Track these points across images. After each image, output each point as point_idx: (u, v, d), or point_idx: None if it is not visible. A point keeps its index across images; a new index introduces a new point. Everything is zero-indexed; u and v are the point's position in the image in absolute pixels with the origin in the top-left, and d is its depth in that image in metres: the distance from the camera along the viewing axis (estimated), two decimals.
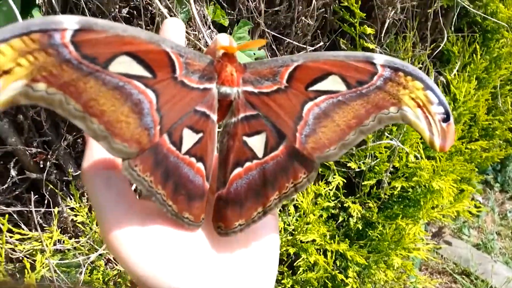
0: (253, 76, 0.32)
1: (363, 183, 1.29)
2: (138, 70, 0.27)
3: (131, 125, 0.27)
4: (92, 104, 0.26)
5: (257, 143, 0.32)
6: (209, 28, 0.87)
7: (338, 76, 0.31)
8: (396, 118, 0.32)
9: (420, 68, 1.23)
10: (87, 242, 0.97)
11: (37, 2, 0.75)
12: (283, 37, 1.02)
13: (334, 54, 0.32)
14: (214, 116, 0.31)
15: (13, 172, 0.91)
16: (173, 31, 0.32)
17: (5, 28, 0.22)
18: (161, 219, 0.31)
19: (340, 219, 1.33)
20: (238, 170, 0.32)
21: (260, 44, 0.32)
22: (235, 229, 0.32)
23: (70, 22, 0.24)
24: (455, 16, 1.19)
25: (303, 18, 1.01)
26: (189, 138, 0.30)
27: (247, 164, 0.32)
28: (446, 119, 0.31)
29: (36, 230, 0.91)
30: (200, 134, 0.31)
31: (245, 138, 0.32)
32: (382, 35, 1.10)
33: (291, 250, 1.23)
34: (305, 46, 1.04)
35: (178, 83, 0.29)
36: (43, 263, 0.89)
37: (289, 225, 1.27)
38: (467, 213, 1.39)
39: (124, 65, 0.26)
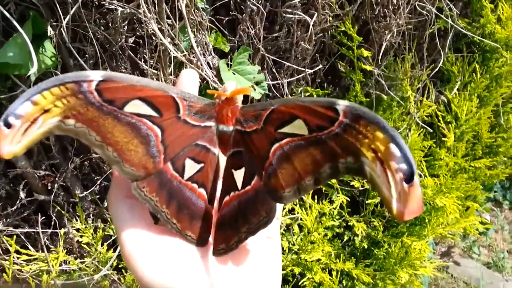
0: (243, 117, 0.35)
1: (367, 202, 1.30)
2: (147, 110, 0.33)
3: (139, 153, 0.33)
4: (109, 136, 0.33)
5: (239, 176, 0.35)
6: (211, 54, 0.91)
7: (302, 120, 0.32)
8: (353, 170, 0.30)
9: (418, 89, 1.25)
10: (92, 262, 0.99)
11: (48, 34, 0.79)
12: (283, 61, 1.05)
13: (303, 99, 0.33)
14: (215, 150, 0.36)
15: (22, 194, 0.94)
16: (188, 81, 0.38)
17: (48, 80, 0.30)
18: (173, 235, 0.35)
19: (345, 238, 1.33)
20: (226, 198, 0.36)
21: (245, 92, 0.35)
22: (219, 251, 0.35)
23: (95, 75, 0.31)
24: (454, 37, 1.21)
25: (302, 42, 1.05)
26: (191, 167, 0.35)
27: (232, 193, 0.36)
28: (409, 180, 0.27)
29: (43, 251, 0.94)
30: (201, 164, 0.36)
31: (232, 170, 0.36)
32: (380, 57, 1.12)
33: (296, 270, 1.23)
34: (304, 69, 1.07)
35: (181, 121, 0.35)
36: (49, 283, 0.91)
37: (293, 244, 1.27)
38: (473, 230, 1.38)
39: (136, 107, 0.33)
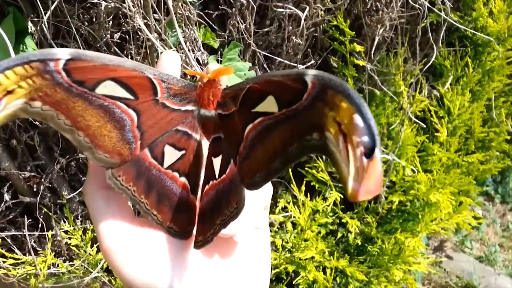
0: (223, 100, 0.33)
1: None
2: (121, 92, 0.31)
3: (113, 138, 0.31)
4: (80, 119, 0.30)
5: (217, 163, 0.33)
6: (200, 50, 0.88)
7: (273, 96, 0.29)
8: (318, 147, 0.27)
9: (411, 84, 1.24)
10: (81, 265, 0.97)
11: (29, 31, 0.76)
12: (274, 57, 1.03)
13: (274, 73, 0.31)
14: (197, 136, 0.34)
15: (6, 197, 0.91)
16: (169, 63, 0.35)
17: (10, 59, 0.28)
18: (154, 228, 0.33)
19: (339, 235, 1.32)
20: (206, 187, 0.34)
21: (227, 72, 0.32)
22: (197, 243, 0.33)
23: (63, 53, 0.29)
24: (446, 31, 1.20)
25: (294, 37, 1.03)
26: (171, 155, 0.33)
27: (211, 183, 0.33)
28: (369, 154, 0.24)
29: (30, 254, 0.91)
30: (183, 152, 0.34)
31: (212, 158, 0.34)
32: (372, 52, 1.11)
33: (290, 268, 1.22)
34: (296, 64, 1.05)
35: (159, 105, 0.32)
36: (36, 287, 0.89)
37: (287, 242, 1.26)
38: (466, 225, 1.38)
39: (108, 88, 0.30)
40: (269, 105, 0.29)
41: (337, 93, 0.26)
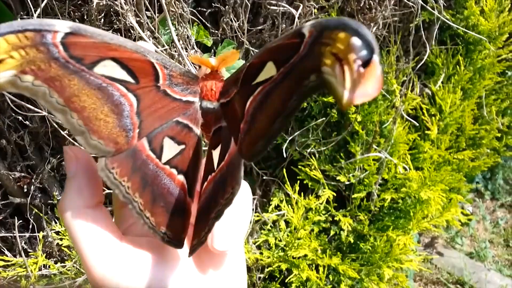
0: (225, 88, 0.31)
1: (353, 196, 1.29)
2: (122, 74, 0.29)
3: (109, 124, 0.29)
4: (74, 99, 0.27)
5: (216, 155, 0.31)
6: (193, 48, 0.87)
7: (272, 62, 0.27)
8: (315, 87, 0.25)
9: (404, 82, 1.24)
10: (73, 266, 0.96)
11: None
12: None
13: (272, 41, 0.28)
14: (197, 130, 0.32)
15: None
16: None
17: (3, 25, 0.25)
18: (144, 248, 0.31)
19: (332, 233, 1.33)
20: (205, 184, 0.31)
21: (233, 59, 0.30)
22: (193, 247, 0.30)
23: (62, 25, 0.27)
24: (438, 29, 1.21)
25: None
26: (170, 148, 0.31)
27: (209, 177, 0.31)
28: (366, 62, 0.22)
29: (21, 255, 0.90)
30: (182, 146, 0.31)
31: (212, 151, 0.32)
32: None
33: (283, 266, 1.22)
34: None
35: (161, 91, 0.30)
36: None
37: (280, 240, 1.26)
38: (456, 222, 1.39)
39: (108, 68, 0.28)
40: (269, 71, 0.27)
41: (334, 29, 0.23)
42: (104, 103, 0.28)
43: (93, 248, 0.29)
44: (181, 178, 0.31)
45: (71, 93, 0.27)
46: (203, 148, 0.34)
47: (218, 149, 0.31)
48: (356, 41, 0.22)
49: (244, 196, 0.32)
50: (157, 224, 0.30)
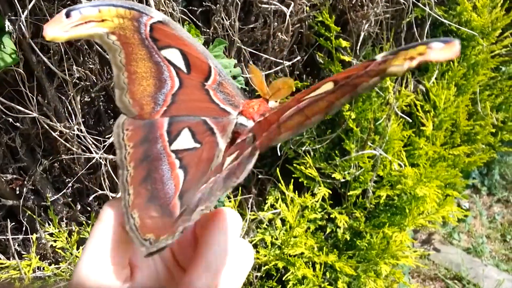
0: (266, 112, 0.33)
1: (348, 194, 1.29)
2: (180, 63, 0.34)
3: (146, 92, 0.33)
4: (133, 64, 0.33)
5: (228, 161, 0.31)
6: None
7: (332, 82, 0.28)
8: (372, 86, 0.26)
9: (397, 79, 1.24)
10: (68, 267, 0.95)
11: (7, 29, 0.74)
12: (260, 53, 1.03)
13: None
14: (220, 139, 0.33)
15: None
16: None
17: (120, 0, 0.32)
18: None
19: (328, 230, 1.33)
20: (203, 186, 0.30)
21: (289, 92, 0.33)
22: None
23: (157, 15, 0.33)
24: (431, 26, 1.21)
25: (279, 34, 1.02)
26: (185, 140, 0.32)
27: (212, 179, 0.30)
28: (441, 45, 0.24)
29: (14, 258, 0.89)
30: (198, 145, 0.32)
31: (227, 157, 0.32)
32: (358, 47, 1.11)
33: (280, 264, 1.22)
34: (282, 61, 1.05)
35: (204, 89, 0.34)
36: None
37: (276, 239, 1.26)
38: (451, 219, 1.39)
39: (172, 54, 0.34)
40: (325, 88, 0.28)
41: (411, 47, 0.24)
42: (153, 75, 0.33)
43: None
44: (180, 173, 0.31)
45: (134, 59, 0.33)
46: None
47: (234, 155, 0.31)
48: (437, 44, 0.23)
49: (245, 258, 0.31)
50: (132, 206, 0.28)
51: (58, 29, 0.30)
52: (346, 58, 1.11)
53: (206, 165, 0.32)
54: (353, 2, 1.07)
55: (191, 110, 0.33)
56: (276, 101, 0.35)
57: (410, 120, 1.31)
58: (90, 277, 0.27)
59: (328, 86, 0.28)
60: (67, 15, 0.30)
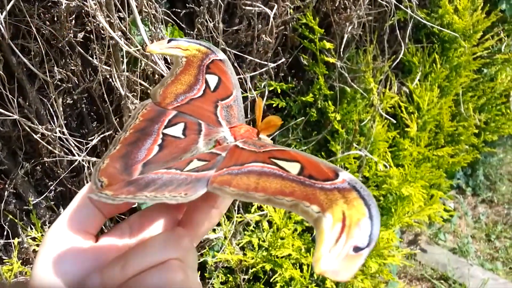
0: (250, 142, 0.37)
1: None
2: (212, 84, 0.43)
3: (175, 91, 0.41)
4: (183, 75, 0.43)
5: (193, 164, 0.34)
6: None
7: (300, 164, 0.30)
8: (310, 216, 0.27)
9: (381, 80, 1.26)
10: None
11: None
12: (244, 55, 1.03)
13: (313, 157, 0.32)
14: (202, 141, 0.38)
15: None
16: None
17: (203, 42, 0.45)
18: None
19: (315, 232, 1.33)
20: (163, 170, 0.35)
21: (275, 126, 0.38)
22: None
23: (221, 55, 0.44)
24: (413, 28, 1.23)
25: (263, 36, 1.02)
26: (176, 129, 0.38)
27: (172, 170, 0.35)
28: (359, 249, 0.25)
29: None
30: (183, 136, 0.38)
31: (196, 159, 0.36)
32: (342, 49, 1.12)
33: (267, 267, 1.22)
34: (267, 63, 1.05)
35: (215, 104, 0.41)
36: None
37: (264, 241, 1.26)
38: (438, 218, 1.41)
39: (211, 78, 0.43)
40: (292, 168, 0.30)
41: (361, 198, 0.27)
42: (188, 84, 0.42)
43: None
44: (155, 148, 0.36)
45: (186, 73, 0.42)
46: (191, 154, 0.38)
47: (199, 163, 0.34)
48: (366, 226, 0.25)
49: None
50: (110, 155, 0.34)
51: (158, 46, 0.43)
52: (330, 60, 1.12)
53: (178, 153, 0.36)
54: (336, 5, 1.09)
55: (195, 113, 0.40)
56: (265, 135, 0.40)
57: (395, 122, 1.33)
58: (53, 238, 0.31)
59: (294, 166, 0.30)
60: (168, 41, 0.44)
